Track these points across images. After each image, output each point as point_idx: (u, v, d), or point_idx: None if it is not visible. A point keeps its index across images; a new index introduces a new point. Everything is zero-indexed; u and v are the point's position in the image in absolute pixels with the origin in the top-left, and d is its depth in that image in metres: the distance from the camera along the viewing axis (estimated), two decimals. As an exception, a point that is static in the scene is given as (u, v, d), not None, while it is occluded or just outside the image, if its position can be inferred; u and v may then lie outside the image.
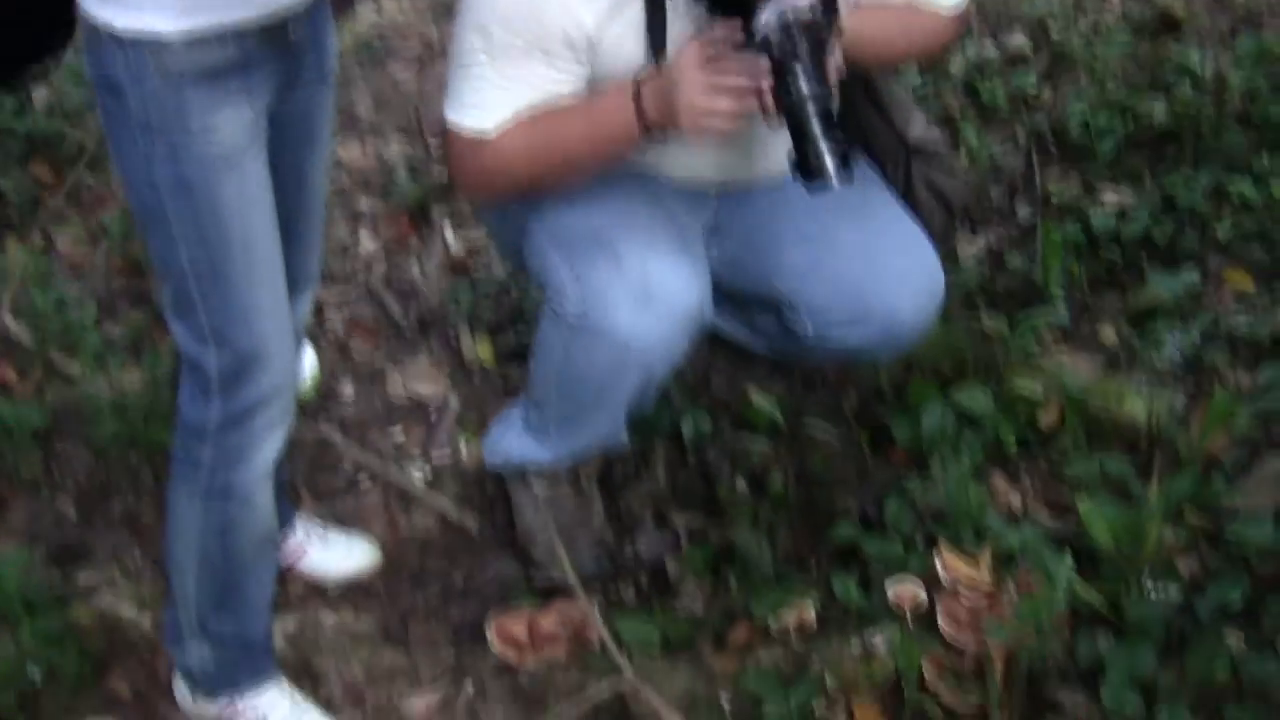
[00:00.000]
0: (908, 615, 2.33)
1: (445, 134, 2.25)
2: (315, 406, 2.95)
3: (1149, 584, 2.28)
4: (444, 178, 3.68)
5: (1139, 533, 2.31)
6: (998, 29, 4.12)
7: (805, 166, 1.95)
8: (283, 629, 2.45)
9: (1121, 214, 3.25)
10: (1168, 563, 2.34)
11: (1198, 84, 3.62)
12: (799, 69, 1.93)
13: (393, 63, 4.37)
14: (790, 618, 2.37)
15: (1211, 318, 2.94)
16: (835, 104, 1.98)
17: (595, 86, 2.17)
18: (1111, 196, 3.36)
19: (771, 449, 2.72)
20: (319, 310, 3.19)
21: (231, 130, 1.82)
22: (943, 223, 2.57)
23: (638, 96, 2.08)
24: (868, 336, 2.42)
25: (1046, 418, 2.70)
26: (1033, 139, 3.59)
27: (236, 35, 1.79)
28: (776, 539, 2.55)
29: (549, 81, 2.14)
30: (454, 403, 2.99)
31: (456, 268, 3.40)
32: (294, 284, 2.04)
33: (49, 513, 2.73)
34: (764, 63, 1.95)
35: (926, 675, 2.22)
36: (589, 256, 2.20)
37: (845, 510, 2.58)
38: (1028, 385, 2.72)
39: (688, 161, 2.37)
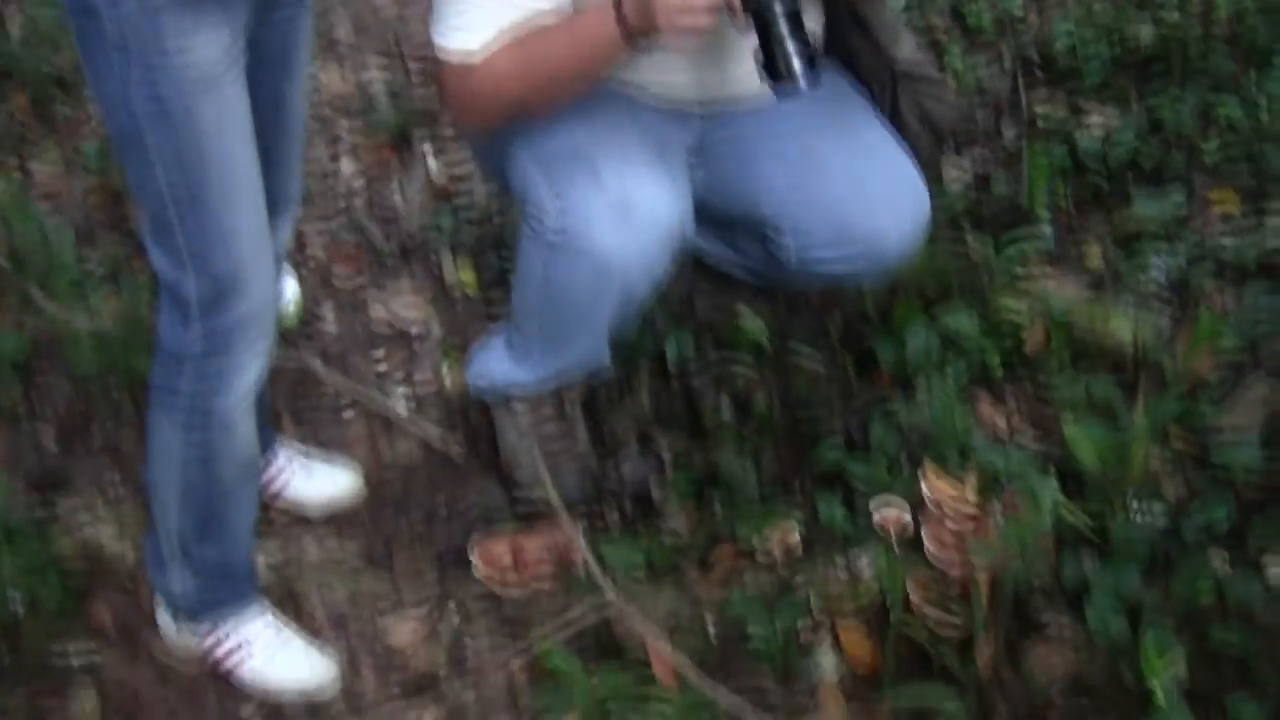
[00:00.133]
0: (893, 537, 2.33)
1: (435, 62, 2.24)
2: (297, 333, 2.93)
3: (1134, 505, 2.28)
4: (425, 103, 3.64)
5: (1124, 454, 2.31)
6: (983, -50, 4.09)
7: (773, 69, 1.99)
8: (266, 556, 2.45)
9: (1107, 136, 3.23)
10: (1153, 484, 2.34)
11: (1184, 5, 3.59)
12: None
13: (372, -13, 4.33)
14: (775, 541, 2.37)
15: (1197, 239, 2.93)
16: (802, 6, 2.01)
17: (578, 5, 2.17)
18: (1097, 118, 3.34)
19: (756, 372, 2.71)
20: (300, 237, 3.17)
21: (208, 52, 1.79)
22: (930, 146, 2.56)
23: (618, 4, 2.08)
24: (852, 260, 2.42)
25: (1032, 340, 2.69)
26: (1018, 61, 3.56)
27: (212, -45, 1.76)
28: (761, 462, 2.54)
29: None
30: (436, 329, 2.98)
31: (438, 193, 3.37)
32: (274, 208, 2.02)
33: (29, 442, 2.72)
34: None
35: (911, 597, 2.22)
36: (569, 173, 2.19)
37: (830, 433, 2.57)
38: (1013, 307, 2.72)
39: (669, 78, 2.35)
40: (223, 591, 2.22)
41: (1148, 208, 3.01)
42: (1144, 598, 2.15)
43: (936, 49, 3.54)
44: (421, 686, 2.30)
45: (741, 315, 2.74)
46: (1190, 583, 2.15)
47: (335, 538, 2.53)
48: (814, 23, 2.36)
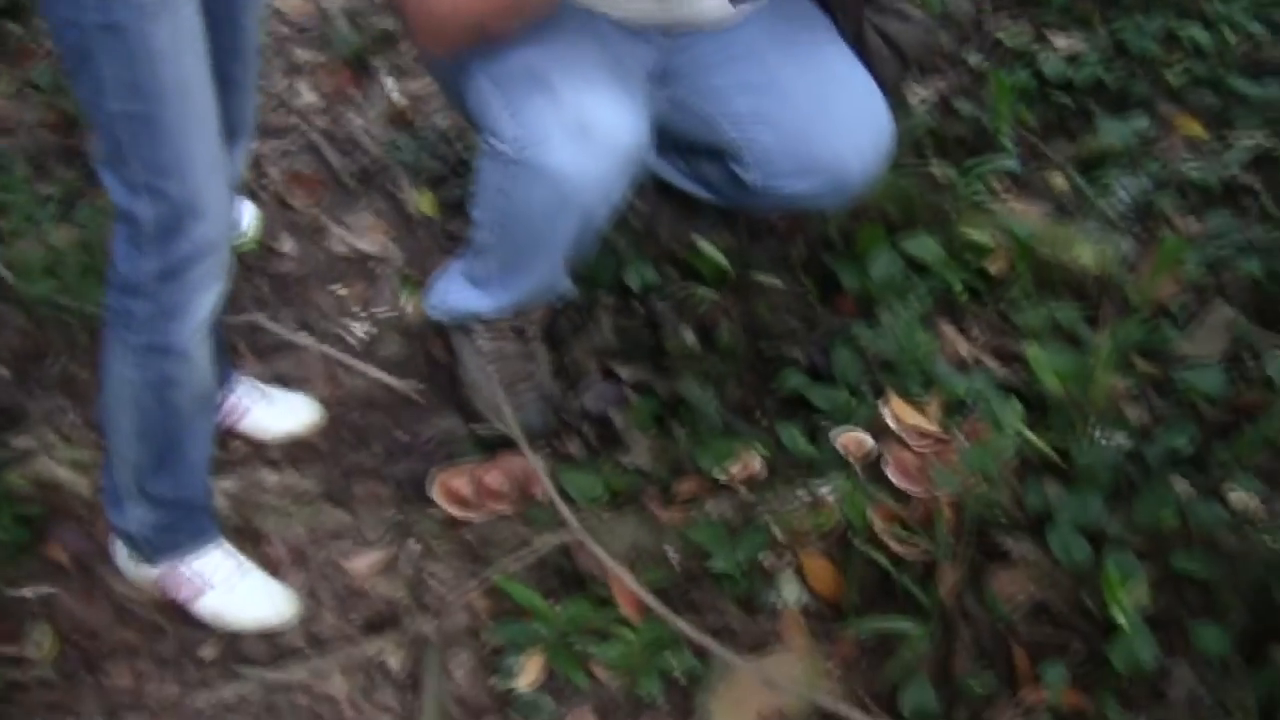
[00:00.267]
0: (856, 465, 2.32)
1: None
2: (255, 261, 2.90)
3: (1097, 431, 2.28)
4: (384, 27, 3.59)
5: (1088, 380, 2.31)
6: None
7: None
8: (224, 490, 2.42)
9: (1072, 59, 3.22)
10: (1116, 410, 2.34)
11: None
12: None
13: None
14: (737, 469, 2.36)
15: (1162, 164, 2.92)
16: None
17: None
18: (1062, 42, 3.32)
19: (719, 300, 2.69)
20: (257, 164, 3.12)
21: (162, -26, 1.75)
22: (894, 71, 2.53)
23: None
24: (814, 186, 2.41)
25: (996, 265, 2.68)
26: (983, -16, 3.54)
27: None
28: (724, 390, 2.53)
29: None
30: (396, 257, 2.94)
31: (397, 119, 3.33)
32: (229, 133, 1.98)
33: (-18, 375, 2.68)
34: None
35: (875, 525, 2.22)
36: (526, 93, 2.17)
37: (793, 360, 2.56)
38: (977, 233, 2.70)
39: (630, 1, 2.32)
40: (180, 526, 2.20)
41: (1112, 132, 3.00)
42: (1107, 524, 2.15)
43: (901, -28, 3.51)
44: (382, 620, 2.29)
45: (703, 243, 2.72)
46: (1153, 508, 2.15)
47: (294, 470, 2.51)
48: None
